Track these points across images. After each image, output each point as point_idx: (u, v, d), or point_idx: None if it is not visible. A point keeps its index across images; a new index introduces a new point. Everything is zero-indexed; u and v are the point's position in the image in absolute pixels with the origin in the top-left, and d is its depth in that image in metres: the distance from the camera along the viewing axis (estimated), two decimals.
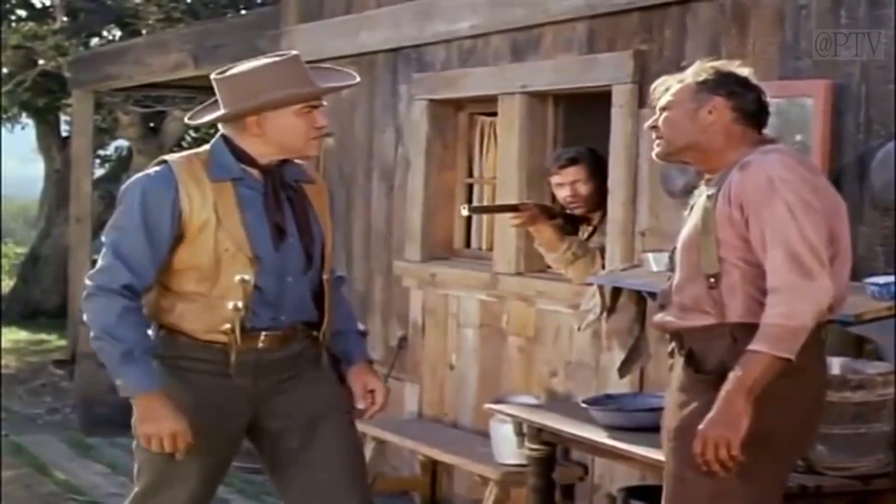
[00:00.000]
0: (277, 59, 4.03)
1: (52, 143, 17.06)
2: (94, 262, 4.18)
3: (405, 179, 7.41)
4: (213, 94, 4.05)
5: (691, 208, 3.74)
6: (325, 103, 4.03)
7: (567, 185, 5.98)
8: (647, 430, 4.49)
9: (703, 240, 3.61)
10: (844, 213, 3.69)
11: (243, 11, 13.77)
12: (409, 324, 7.38)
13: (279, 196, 4.00)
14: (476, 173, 7.25)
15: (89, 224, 11.84)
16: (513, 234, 6.46)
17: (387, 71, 7.59)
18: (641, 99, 5.71)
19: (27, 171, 22.21)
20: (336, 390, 4.16)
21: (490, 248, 6.96)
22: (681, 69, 4.02)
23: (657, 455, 4.13)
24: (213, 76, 4.04)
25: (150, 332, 3.99)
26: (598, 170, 5.97)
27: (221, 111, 4.00)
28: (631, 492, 5.00)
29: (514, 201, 6.29)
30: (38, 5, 16.34)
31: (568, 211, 6.03)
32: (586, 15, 6.10)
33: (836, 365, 4.21)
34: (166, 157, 4.04)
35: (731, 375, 3.47)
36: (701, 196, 3.68)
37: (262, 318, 3.98)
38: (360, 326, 4.33)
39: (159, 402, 3.85)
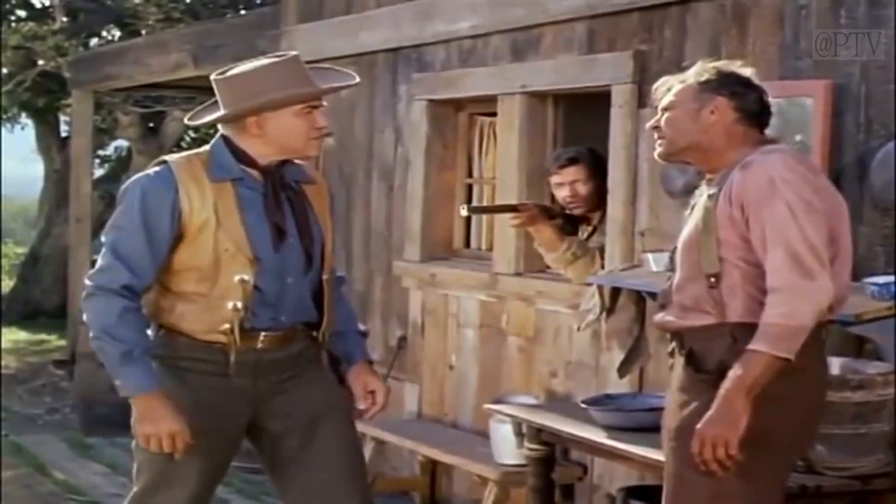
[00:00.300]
0: (277, 59, 4.03)
1: (52, 144, 17.06)
2: (94, 262, 4.18)
3: (405, 179, 7.41)
4: (213, 94, 4.05)
5: (692, 208, 3.74)
6: (325, 103, 4.03)
7: (567, 184, 5.98)
8: (647, 430, 4.50)
9: (704, 239, 3.61)
10: (845, 214, 3.69)
11: (243, 11, 13.77)
12: (409, 324, 7.38)
13: (279, 196, 4.00)
14: (476, 173, 7.25)
15: (89, 224, 11.83)
16: (512, 234, 6.46)
17: (386, 71, 7.59)
18: (641, 99, 5.72)
19: (27, 171, 22.20)
20: (336, 390, 4.16)
21: (490, 248, 6.96)
22: (681, 69, 4.03)
23: (656, 455, 4.13)
24: (213, 77, 4.04)
25: (149, 332, 3.99)
26: (597, 170, 5.97)
27: (221, 112, 4.00)
28: (630, 492, 5.00)
29: (513, 201, 6.29)
30: (38, 5, 16.35)
31: (568, 211, 6.03)
32: (586, 15, 6.10)
33: (836, 365, 4.21)
34: (166, 157, 4.04)
35: (731, 374, 3.47)
36: (702, 196, 3.68)
37: (262, 319, 3.98)
38: (361, 327, 4.33)
39: (158, 402, 3.85)
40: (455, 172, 7.27)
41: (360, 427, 4.83)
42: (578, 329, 5.60)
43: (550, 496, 5.32)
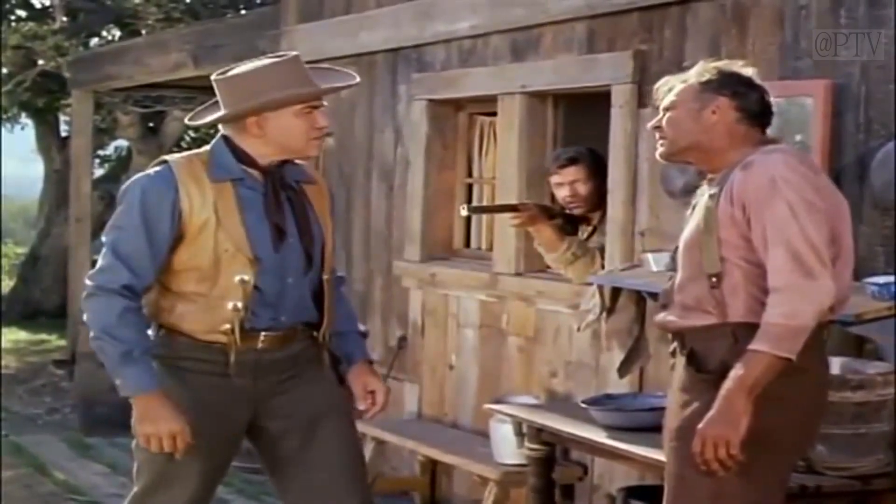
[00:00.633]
0: (278, 59, 4.03)
1: (52, 144, 17.06)
2: (94, 262, 4.18)
3: (405, 179, 7.41)
4: (213, 94, 4.05)
5: (693, 208, 3.74)
6: (325, 104, 4.03)
7: (566, 184, 5.98)
8: (647, 430, 4.50)
9: (705, 239, 3.61)
10: (847, 214, 3.69)
11: (243, 11, 13.77)
12: (409, 324, 7.38)
13: (279, 197, 4.00)
14: (476, 173, 7.25)
15: (89, 224, 11.83)
16: (512, 234, 6.46)
17: (386, 71, 7.59)
18: (641, 99, 5.72)
19: (27, 171, 22.21)
20: (336, 390, 4.15)
21: (490, 248, 6.96)
22: (681, 69, 4.02)
23: (657, 455, 4.13)
24: (213, 77, 4.04)
25: (149, 332, 3.99)
26: (597, 170, 5.97)
27: (222, 112, 4.00)
28: (630, 492, 5.00)
29: (513, 201, 6.29)
30: (38, 5, 16.36)
31: (567, 211, 6.03)
32: (586, 15, 6.10)
33: (836, 365, 4.21)
34: (166, 157, 4.04)
35: (732, 374, 3.46)
36: (703, 196, 3.68)
37: (262, 319, 3.98)
38: (361, 327, 4.32)
39: (159, 402, 3.85)
40: (455, 172, 7.27)
41: (360, 427, 4.83)
42: (578, 329, 5.60)
43: (550, 496, 5.33)
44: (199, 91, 11.14)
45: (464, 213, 6.42)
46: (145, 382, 3.85)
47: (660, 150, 3.79)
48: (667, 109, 3.75)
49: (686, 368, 3.67)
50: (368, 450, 6.63)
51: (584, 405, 5.02)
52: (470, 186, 7.30)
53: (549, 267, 6.16)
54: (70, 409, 10.51)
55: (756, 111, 3.70)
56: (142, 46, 11.37)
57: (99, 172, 16.69)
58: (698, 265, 3.63)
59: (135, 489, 4.09)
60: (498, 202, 6.61)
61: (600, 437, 4.76)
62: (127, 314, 3.86)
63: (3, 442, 8.98)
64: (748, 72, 3.74)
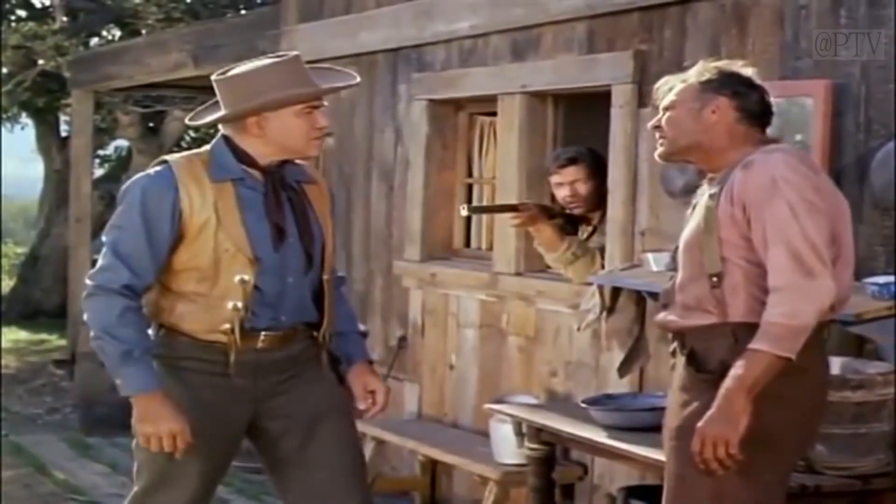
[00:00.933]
0: (278, 59, 4.03)
1: (52, 143, 17.06)
2: (94, 262, 4.18)
3: (405, 179, 7.41)
4: (213, 94, 4.05)
5: (693, 207, 3.74)
6: (325, 104, 4.03)
7: (566, 184, 5.98)
8: (647, 429, 4.50)
9: (706, 239, 3.61)
10: (847, 213, 3.69)
11: (243, 11, 13.77)
12: (409, 324, 7.38)
13: (279, 197, 4.00)
14: (476, 173, 7.25)
15: (89, 224, 11.83)
16: (512, 234, 6.46)
17: (386, 71, 7.59)
18: (641, 99, 5.72)
19: (27, 171, 22.22)
20: (336, 390, 4.16)
21: (490, 248, 6.96)
22: (681, 69, 4.03)
23: (657, 455, 4.13)
24: (213, 77, 4.04)
25: (150, 331, 3.99)
26: (597, 170, 5.98)
27: (222, 112, 4.00)
28: (630, 491, 5.00)
29: (513, 201, 6.29)
30: (38, 5, 16.36)
31: (568, 211, 6.03)
32: (586, 15, 6.10)
33: (836, 365, 4.21)
34: (167, 157, 4.04)
35: (732, 374, 3.47)
36: (703, 195, 3.69)
37: (262, 319, 3.98)
38: (361, 327, 4.33)
39: (159, 401, 3.85)
40: (455, 172, 7.27)
41: (360, 427, 4.83)
42: (578, 329, 5.60)
43: (551, 496, 5.33)
44: (199, 91, 11.14)
45: (464, 213, 6.42)
46: (145, 382, 3.85)
47: (659, 149, 3.80)
48: (667, 109, 3.75)
49: (686, 368, 3.67)
50: (368, 450, 6.63)
51: (584, 405, 5.02)
52: (470, 186, 7.30)
53: (549, 267, 6.16)
54: (70, 409, 10.52)
55: (756, 111, 3.70)
56: (142, 46, 11.37)
57: (99, 172, 16.69)
58: (699, 265, 3.64)
59: (135, 489, 4.10)
60: (498, 202, 6.61)
61: (600, 436, 4.76)
62: (127, 314, 3.87)
63: (3, 442, 8.98)
64: (748, 72, 3.74)
